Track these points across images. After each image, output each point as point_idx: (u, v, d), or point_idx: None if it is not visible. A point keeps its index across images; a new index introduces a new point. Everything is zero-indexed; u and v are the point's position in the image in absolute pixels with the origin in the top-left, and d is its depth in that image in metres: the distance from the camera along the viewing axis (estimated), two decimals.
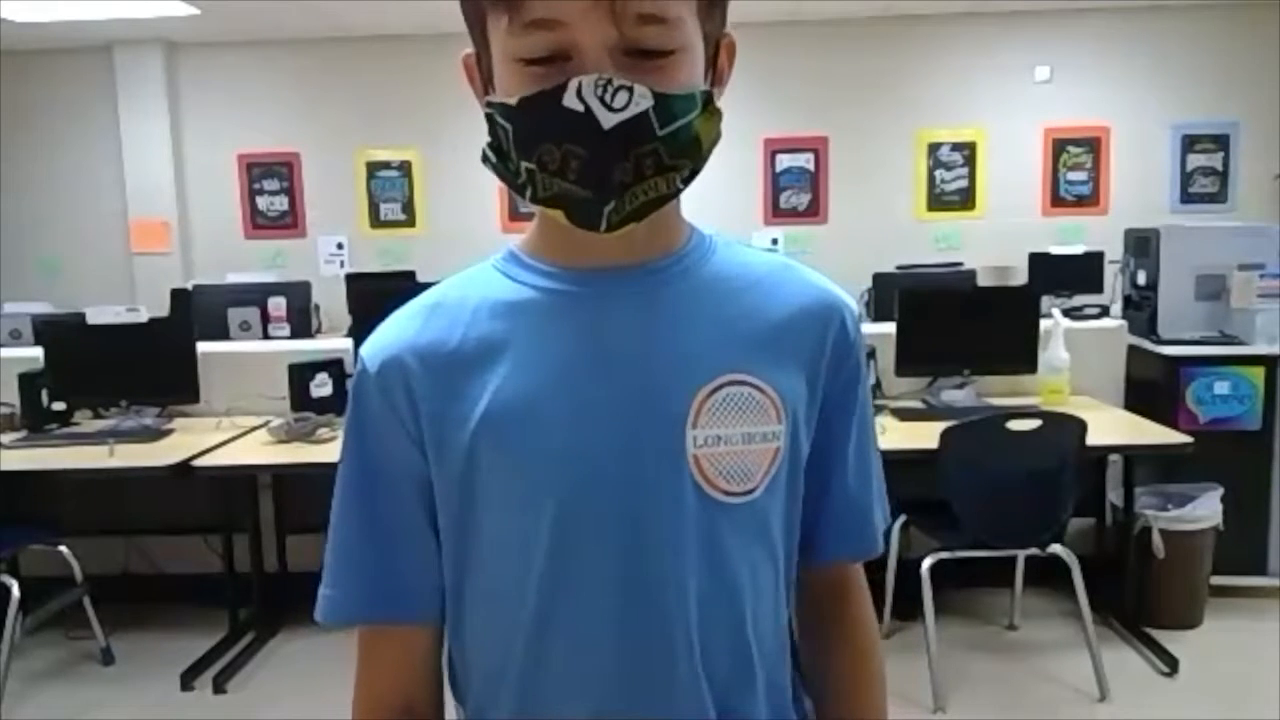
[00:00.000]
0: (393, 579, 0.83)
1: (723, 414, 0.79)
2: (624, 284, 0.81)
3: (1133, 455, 3.31)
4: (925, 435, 2.96)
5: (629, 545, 0.78)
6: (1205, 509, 3.39)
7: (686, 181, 0.76)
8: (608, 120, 0.70)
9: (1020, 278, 4.64)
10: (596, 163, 0.71)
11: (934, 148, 6.52)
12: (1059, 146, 6.48)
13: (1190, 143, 6.43)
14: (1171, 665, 3.11)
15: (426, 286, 0.87)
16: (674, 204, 0.81)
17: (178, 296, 5.33)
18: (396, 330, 0.83)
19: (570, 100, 0.70)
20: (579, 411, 0.78)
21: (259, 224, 6.79)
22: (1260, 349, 3.64)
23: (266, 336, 4.72)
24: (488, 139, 0.77)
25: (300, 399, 3.49)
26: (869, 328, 3.89)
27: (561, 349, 0.79)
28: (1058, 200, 6.52)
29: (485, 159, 0.78)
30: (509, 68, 0.74)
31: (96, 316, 3.63)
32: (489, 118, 0.76)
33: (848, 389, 0.87)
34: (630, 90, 0.70)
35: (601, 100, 0.70)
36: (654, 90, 0.71)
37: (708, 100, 0.76)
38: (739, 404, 0.79)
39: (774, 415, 0.81)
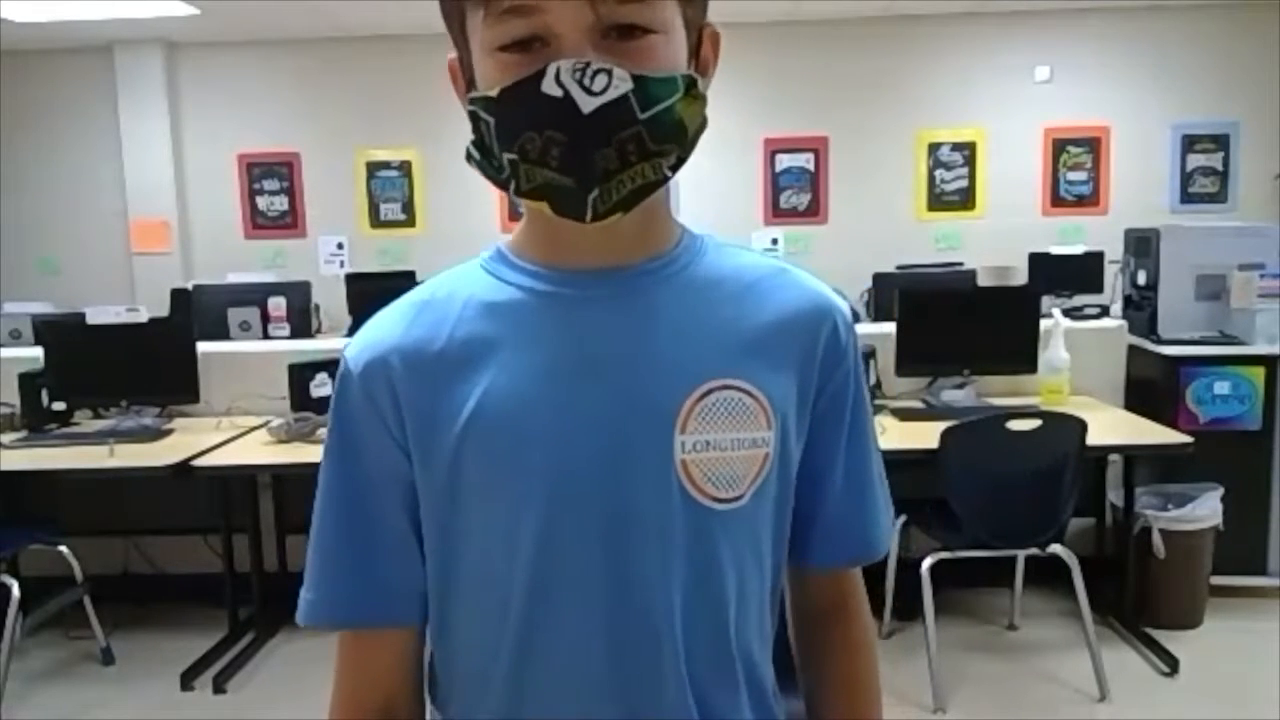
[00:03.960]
0: (374, 582, 0.83)
1: (711, 419, 0.78)
2: (612, 285, 0.80)
3: (1133, 455, 3.32)
4: (925, 435, 2.96)
5: (615, 549, 0.77)
6: (1205, 509, 3.38)
7: (674, 169, 0.74)
8: (587, 104, 0.69)
9: (1020, 278, 4.60)
10: (578, 148, 0.70)
11: (934, 148, 6.53)
12: (1059, 146, 6.48)
13: (1190, 143, 6.44)
14: (1171, 665, 3.11)
15: None
16: (663, 203, 0.80)
17: (178, 296, 5.34)
18: (381, 330, 0.82)
19: (549, 86, 0.69)
20: (565, 415, 0.77)
21: (259, 224, 6.79)
22: (1260, 349, 3.63)
23: (266, 336, 4.72)
24: (471, 137, 0.76)
25: (300, 399, 3.49)
26: (869, 328, 3.88)
27: (548, 352, 0.78)
28: (1058, 200, 6.52)
29: (469, 157, 0.77)
30: (489, 60, 0.73)
31: (96, 316, 3.63)
32: (472, 115, 0.75)
33: (840, 393, 0.86)
34: (609, 73, 0.69)
35: (580, 84, 0.69)
36: (633, 73, 0.70)
37: (690, 84, 0.74)
38: (728, 409, 0.78)
39: (764, 421, 0.79)
